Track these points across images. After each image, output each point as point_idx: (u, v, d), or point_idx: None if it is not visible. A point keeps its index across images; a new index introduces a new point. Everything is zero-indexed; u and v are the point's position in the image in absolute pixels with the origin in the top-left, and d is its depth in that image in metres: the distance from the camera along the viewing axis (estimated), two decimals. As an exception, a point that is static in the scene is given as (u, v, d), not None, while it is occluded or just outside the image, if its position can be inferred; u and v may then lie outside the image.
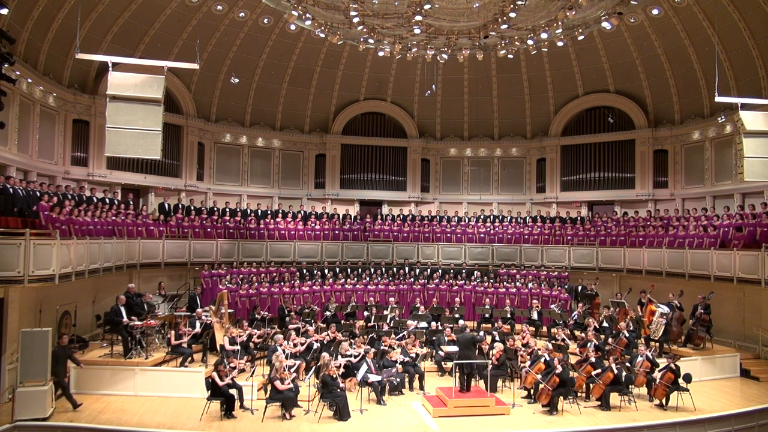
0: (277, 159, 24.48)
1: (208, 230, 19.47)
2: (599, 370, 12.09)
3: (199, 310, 15.10)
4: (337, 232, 21.68)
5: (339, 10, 16.65)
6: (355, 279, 19.59)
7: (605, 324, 15.68)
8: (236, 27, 20.97)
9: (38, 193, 13.97)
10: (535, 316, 17.32)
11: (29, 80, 15.96)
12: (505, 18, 15.97)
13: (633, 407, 11.78)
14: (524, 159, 25.43)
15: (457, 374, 12.11)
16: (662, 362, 12.43)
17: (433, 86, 22.16)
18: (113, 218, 16.16)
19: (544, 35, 17.13)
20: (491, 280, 19.92)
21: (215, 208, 21.35)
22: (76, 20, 14.04)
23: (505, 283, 19.68)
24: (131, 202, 19.03)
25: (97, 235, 14.56)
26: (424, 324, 16.17)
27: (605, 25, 16.68)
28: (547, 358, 12.05)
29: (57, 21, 16.45)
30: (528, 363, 12.67)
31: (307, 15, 16.51)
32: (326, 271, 20.27)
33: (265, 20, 21.06)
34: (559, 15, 16.10)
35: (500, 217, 23.37)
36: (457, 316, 16.81)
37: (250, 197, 23.75)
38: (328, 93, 24.52)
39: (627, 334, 14.23)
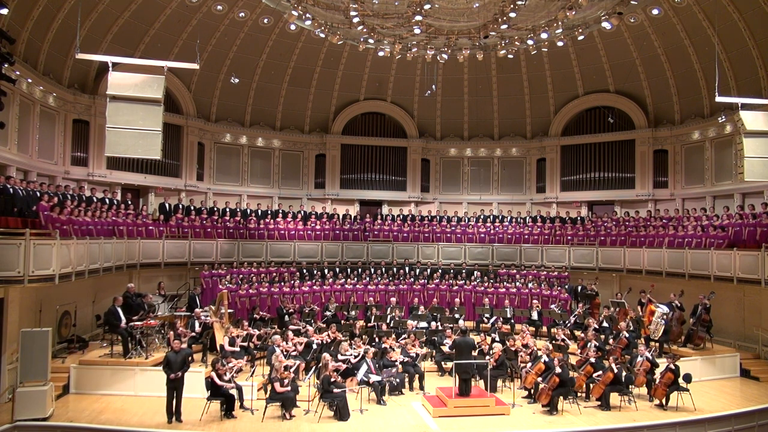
0: (277, 159, 24.48)
1: (208, 230, 19.47)
2: (600, 372, 12.09)
3: (197, 310, 15.09)
4: (337, 232, 21.68)
5: (339, 10, 16.65)
6: (355, 279, 19.59)
7: (605, 324, 15.68)
8: (236, 27, 20.96)
9: (38, 193, 13.97)
10: (535, 316, 17.32)
11: (29, 80, 15.96)
12: (505, 18, 15.97)
13: (633, 407, 11.78)
14: (524, 159, 25.43)
15: (456, 378, 12.07)
16: (662, 362, 12.43)
17: (433, 86, 22.16)
18: (113, 218, 16.16)
19: (544, 35, 17.13)
20: (491, 280, 19.91)
21: (215, 208, 21.34)
22: (76, 20, 14.03)
23: (505, 283, 19.67)
24: (130, 202, 19.02)
25: (97, 235, 14.56)
26: (424, 324, 16.18)
27: (605, 25, 16.68)
28: (546, 359, 12.05)
29: (57, 21, 16.45)
30: (528, 363, 12.68)
31: (307, 15, 16.51)
32: (326, 271, 20.27)
33: (265, 20, 21.06)
34: (559, 15, 16.10)
35: (500, 217, 23.36)
36: (457, 316, 16.81)
37: (250, 197, 23.75)
38: (328, 93, 24.51)
39: (627, 334, 14.23)
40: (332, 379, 11.18)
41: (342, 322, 16.31)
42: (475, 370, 12.61)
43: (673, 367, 11.94)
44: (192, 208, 20.24)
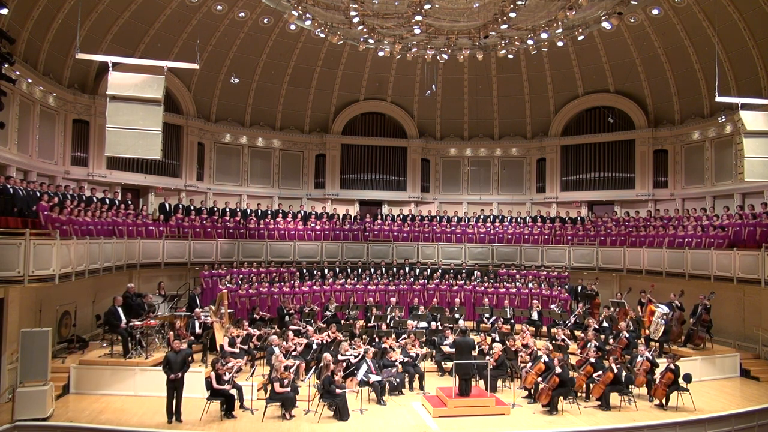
0: (277, 159, 24.48)
1: (208, 230, 19.47)
2: (600, 372, 12.09)
3: (197, 310, 15.09)
4: (337, 232, 21.68)
5: (339, 10, 16.65)
6: (355, 279, 19.59)
7: (605, 324, 15.68)
8: (236, 27, 20.96)
9: (38, 193, 13.97)
10: (535, 316, 17.31)
11: (29, 80, 15.96)
12: (505, 18, 15.97)
13: (633, 407, 11.78)
14: (524, 159, 25.43)
15: (456, 378, 12.06)
16: (662, 362, 12.43)
17: (433, 86, 22.16)
18: (113, 218, 16.16)
19: (544, 35, 17.13)
20: (491, 280, 19.91)
21: (215, 208, 21.34)
22: (76, 20, 14.04)
23: (505, 283, 19.67)
24: (130, 202, 19.02)
25: (97, 235, 14.56)
26: (424, 324, 16.17)
27: (605, 25, 16.68)
28: (546, 359, 12.05)
29: (57, 21, 16.45)
30: (528, 363, 12.68)
31: (307, 15, 16.51)
32: (326, 271, 20.27)
33: (265, 20, 21.06)
34: (559, 15, 16.10)
35: (500, 217, 23.36)
36: (457, 316, 16.81)
37: (250, 197, 23.75)
38: (328, 93, 24.51)
39: (627, 334, 14.23)
40: (333, 380, 11.17)
41: (342, 322, 16.31)
42: (475, 370, 12.61)
43: (673, 367, 11.94)
44: (192, 208, 20.24)
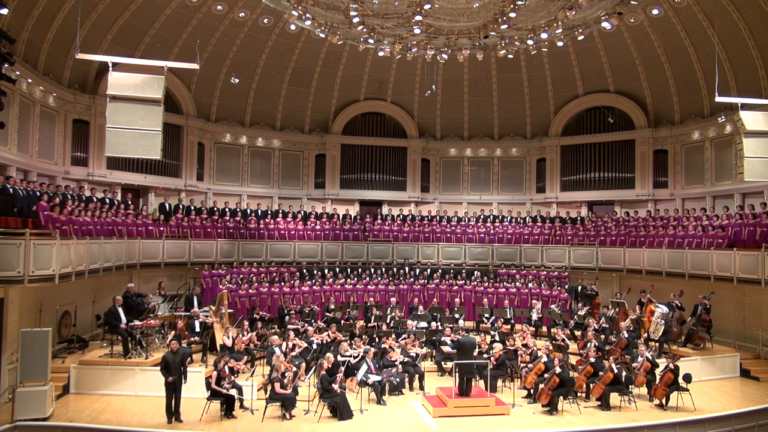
0: (277, 159, 24.48)
1: (208, 230, 19.47)
2: (600, 373, 12.09)
3: (195, 309, 15.07)
4: (337, 232, 21.68)
5: (339, 10, 16.66)
6: (355, 279, 19.59)
7: (605, 324, 15.68)
8: (236, 27, 20.97)
9: (38, 193, 13.96)
10: (535, 316, 17.31)
11: (29, 80, 15.96)
12: (505, 18, 15.97)
13: (633, 407, 11.78)
14: (524, 159, 25.43)
15: (457, 378, 12.06)
16: (662, 362, 12.43)
17: (433, 86, 22.13)
18: (113, 218, 16.16)
19: (544, 35, 17.13)
20: (491, 280, 19.90)
21: (215, 208, 21.35)
22: (76, 20, 14.03)
23: (505, 283, 19.67)
24: (130, 202, 19.02)
25: (97, 235, 14.56)
26: (424, 324, 16.18)
27: (605, 25, 16.69)
28: (546, 359, 12.05)
29: (57, 21, 16.45)
30: (528, 363, 12.68)
31: (307, 15, 16.51)
32: (326, 271, 20.27)
33: (265, 20, 21.07)
34: (559, 15, 16.09)
35: (500, 217, 23.36)
36: (457, 316, 16.82)
37: (250, 197, 23.75)
38: (328, 93, 24.51)
39: (627, 334, 14.23)
40: (330, 378, 11.16)
41: (342, 322, 16.31)
42: (475, 370, 12.61)
43: (673, 367, 11.94)
44: (192, 208, 20.24)
